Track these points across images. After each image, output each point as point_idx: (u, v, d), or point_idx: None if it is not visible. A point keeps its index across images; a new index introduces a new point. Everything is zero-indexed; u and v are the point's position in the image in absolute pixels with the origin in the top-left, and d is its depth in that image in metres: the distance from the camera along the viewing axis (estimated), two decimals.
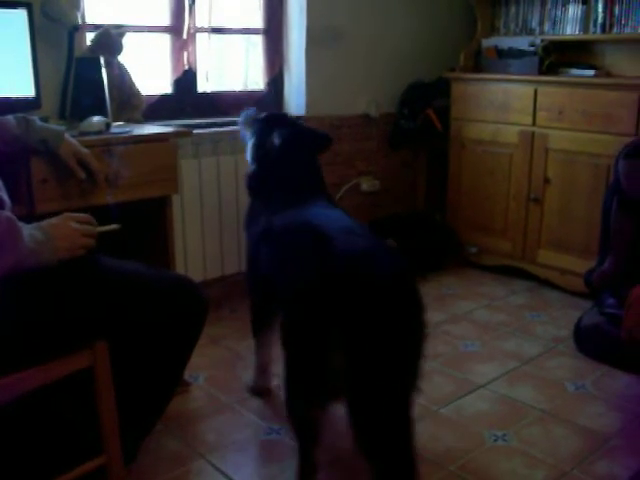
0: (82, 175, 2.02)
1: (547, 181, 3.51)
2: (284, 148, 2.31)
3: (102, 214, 1.82)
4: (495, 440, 2.23)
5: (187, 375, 2.55)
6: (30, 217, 1.77)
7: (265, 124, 2.44)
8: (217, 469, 2.09)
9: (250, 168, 2.43)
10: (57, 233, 1.59)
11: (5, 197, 1.55)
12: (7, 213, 1.48)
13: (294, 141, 2.34)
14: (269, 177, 2.32)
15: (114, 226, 1.79)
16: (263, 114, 2.52)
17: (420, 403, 2.45)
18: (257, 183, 2.36)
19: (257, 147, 2.41)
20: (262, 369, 2.50)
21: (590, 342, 2.83)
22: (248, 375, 2.58)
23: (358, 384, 1.63)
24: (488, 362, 2.79)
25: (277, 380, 2.50)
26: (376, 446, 1.66)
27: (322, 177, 2.38)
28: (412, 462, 1.67)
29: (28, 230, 1.54)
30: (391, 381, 1.63)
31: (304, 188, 2.23)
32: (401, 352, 1.64)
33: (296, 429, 1.90)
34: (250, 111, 2.56)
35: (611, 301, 2.80)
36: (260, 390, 2.51)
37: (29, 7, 2.33)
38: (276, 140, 2.32)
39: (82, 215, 1.70)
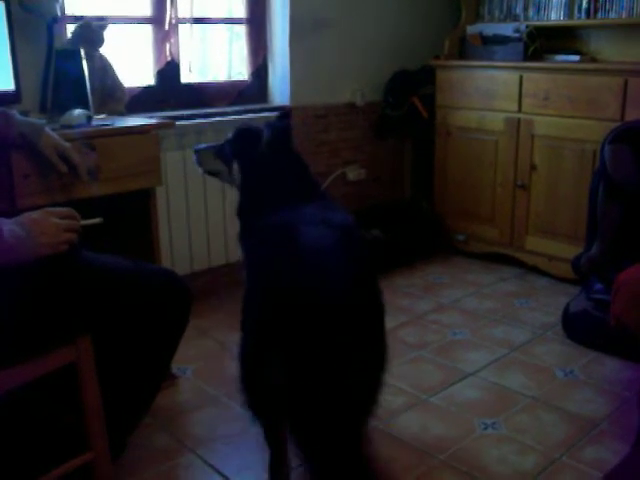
0: (63, 169, 1.99)
1: (533, 167, 3.51)
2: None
3: (84, 207, 1.79)
4: (485, 428, 2.23)
5: (175, 368, 2.54)
6: (11, 213, 1.74)
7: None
8: (206, 462, 2.08)
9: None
10: (38, 229, 1.56)
11: None
12: None
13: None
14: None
15: (97, 219, 1.76)
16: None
17: (409, 392, 2.45)
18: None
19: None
20: None
21: (578, 328, 2.83)
22: (235, 367, 2.56)
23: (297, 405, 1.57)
24: (477, 350, 2.79)
25: None
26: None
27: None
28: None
29: (7, 225, 1.51)
30: (334, 408, 1.54)
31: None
32: (344, 371, 1.55)
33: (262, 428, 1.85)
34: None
35: (598, 286, 2.80)
36: None
37: None
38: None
39: (63, 209, 1.66)
